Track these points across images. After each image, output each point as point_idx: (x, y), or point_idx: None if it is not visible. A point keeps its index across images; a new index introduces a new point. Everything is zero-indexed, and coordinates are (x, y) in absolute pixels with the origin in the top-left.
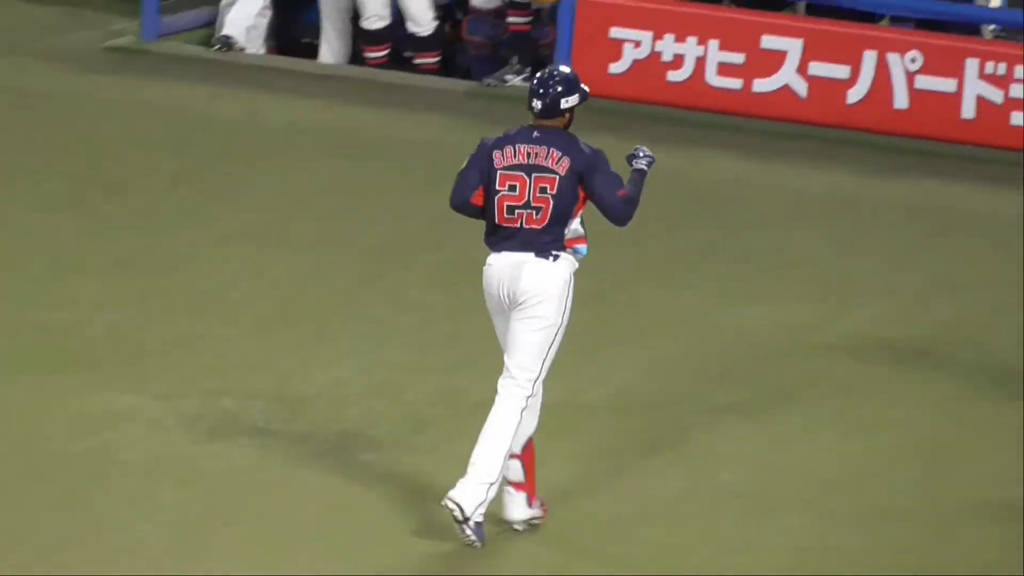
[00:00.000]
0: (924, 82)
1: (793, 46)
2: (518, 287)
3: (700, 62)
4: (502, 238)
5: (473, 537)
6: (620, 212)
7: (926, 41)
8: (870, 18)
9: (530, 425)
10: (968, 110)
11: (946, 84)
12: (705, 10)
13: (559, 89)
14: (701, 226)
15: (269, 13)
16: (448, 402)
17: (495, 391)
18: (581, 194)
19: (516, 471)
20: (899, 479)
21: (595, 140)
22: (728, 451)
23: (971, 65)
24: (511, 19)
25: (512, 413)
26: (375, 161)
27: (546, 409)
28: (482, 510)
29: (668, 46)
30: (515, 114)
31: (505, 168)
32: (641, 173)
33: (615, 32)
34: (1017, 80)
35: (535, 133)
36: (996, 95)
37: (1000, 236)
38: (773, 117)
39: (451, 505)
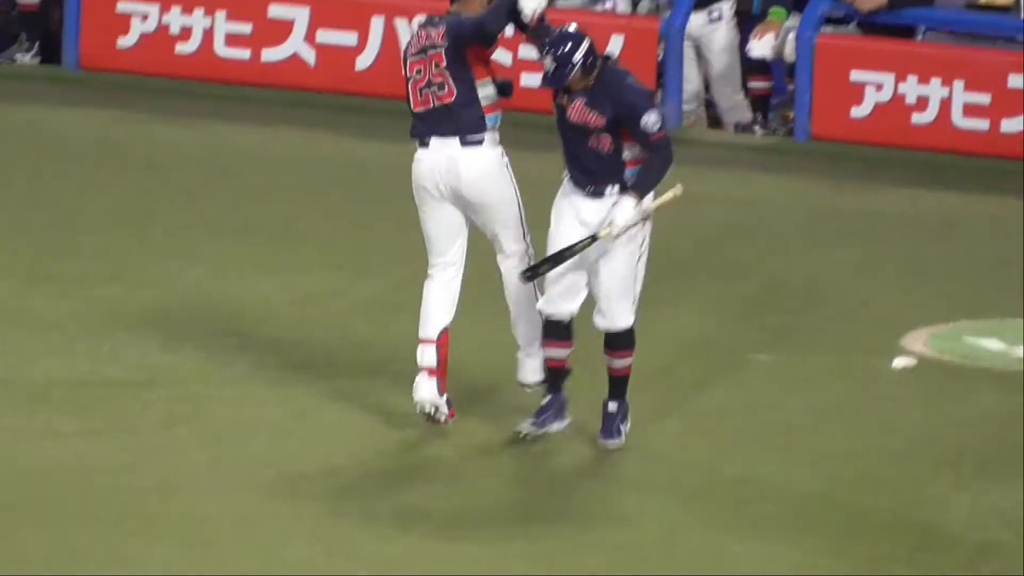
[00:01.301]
0: None
1: (300, 15)
2: (460, 183)
3: (208, 34)
4: (423, 126)
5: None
6: (487, 25)
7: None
8: None
9: (449, 313)
10: None
11: None
12: None
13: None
14: (211, 198)
15: None
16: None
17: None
18: (470, 56)
19: (431, 357)
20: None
21: (107, 115)
22: (252, 421)
23: None
24: None
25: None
26: None
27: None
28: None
29: (176, 18)
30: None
31: (410, 56)
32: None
33: (122, 7)
34: None
35: (432, 20)
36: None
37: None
38: (283, 86)
39: (530, 389)
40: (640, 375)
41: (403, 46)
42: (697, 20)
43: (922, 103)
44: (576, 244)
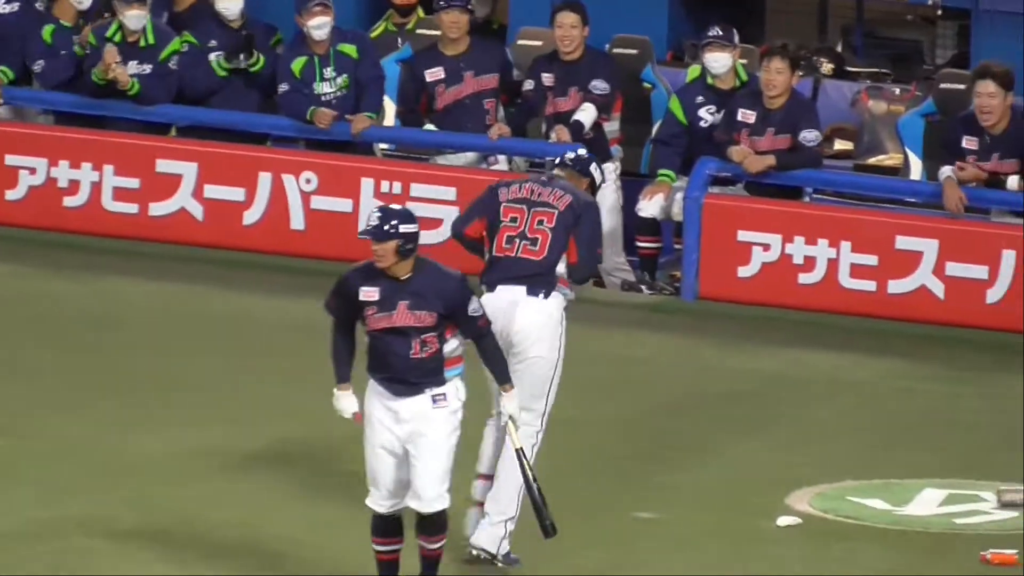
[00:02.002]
0: (320, 202)
1: (188, 170)
2: (512, 328)
3: (96, 187)
4: (497, 272)
5: (510, 565)
6: (591, 266)
7: (320, 162)
8: (262, 140)
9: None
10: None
11: (342, 204)
12: (91, 135)
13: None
14: (99, 351)
15: None
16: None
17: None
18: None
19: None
20: None
21: None
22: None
23: (367, 184)
24: None
25: (518, 458)
26: None
27: None
28: (507, 544)
29: (64, 172)
30: None
31: (509, 201)
32: None
33: (10, 160)
34: (413, 197)
35: (544, 177)
36: None
37: None
38: (171, 240)
39: (475, 552)
40: (523, 531)
41: (492, 192)
42: None
43: (809, 263)
44: (524, 467)
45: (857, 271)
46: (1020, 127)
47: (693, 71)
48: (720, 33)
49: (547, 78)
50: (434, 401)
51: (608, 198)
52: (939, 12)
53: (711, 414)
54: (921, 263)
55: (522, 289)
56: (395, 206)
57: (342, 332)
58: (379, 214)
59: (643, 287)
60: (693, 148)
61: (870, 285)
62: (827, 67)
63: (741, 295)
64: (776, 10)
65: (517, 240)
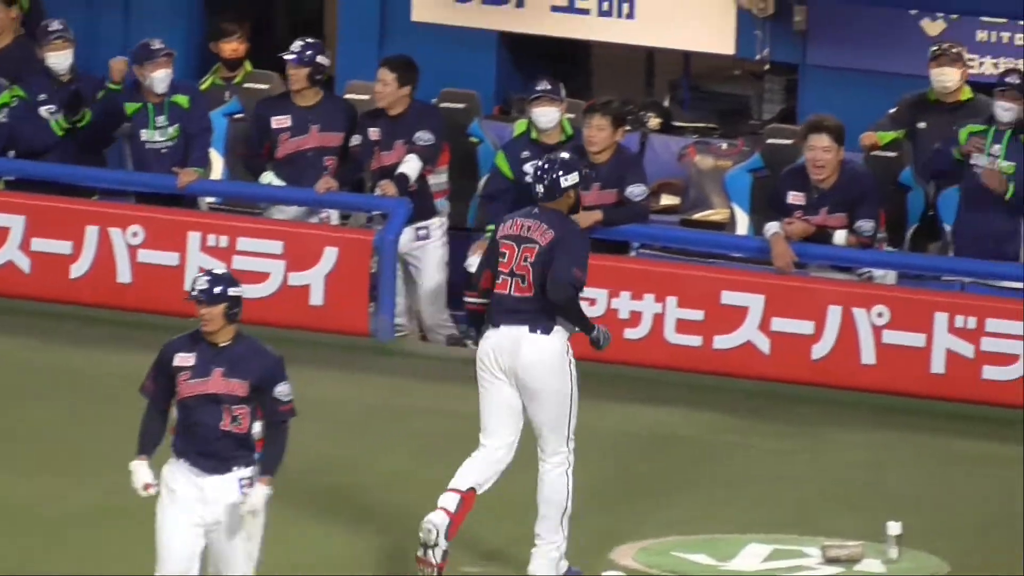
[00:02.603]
0: (147, 256)
1: (16, 222)
2: (518, 363)
3: None
4: (497, 309)
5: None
6: (562, 284)
7: (147, 215)
8: (89, 193)
9: (484, 476)
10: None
11: (169, 258)
12: None
13: (559, 172)
14: None
15: None
16: None
17: None
18: None
19: (451, 500)
20: None
21: None
22: None
23: (193, 238)
24: None
25: (560, 483)
26: None
27: None
28: (564, 566)
29: None
30: None
31: (502, 237)
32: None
33: None
34: (240, 251)
35: (535, 210)
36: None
37: None
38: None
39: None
40: None
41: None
42: (406, 236)
43: (635, 318)
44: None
45: (683, 326)
46: (849, 181)
47: (520, 125)
48: (547, 87)
49: (373, 132)
50: (240, 485)
51: (433, 255)
52: (767, 67)
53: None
54: (747, 318)
55: (524, 328)
56: (219, 270)
57: (153, 412)
58: (207, 278)
59: (468, 342)
60: (520, 203)
61: (696, 340)
62: (654, 121)
63: None
64: (603, 64)
65: (508, 277)
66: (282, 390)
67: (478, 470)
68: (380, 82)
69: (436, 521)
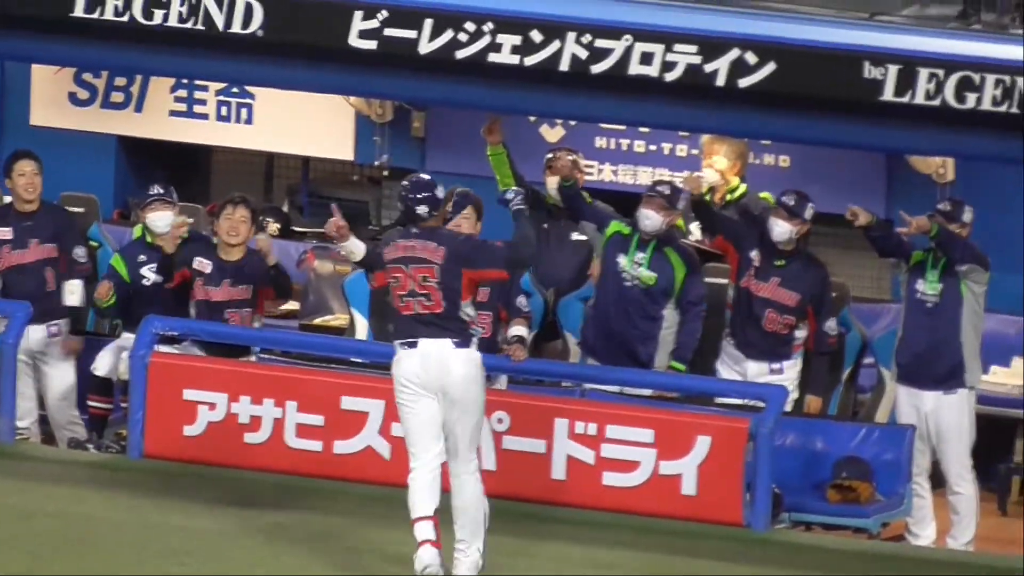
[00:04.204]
0: None
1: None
2: (449, 379)
3: None
4: (409, 328)
5: None
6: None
7: None
8: None
9: (436, 497)
10: None
11: None
12: None
13: (430, 188)
14: None
15: None
16: None
17: None
18: (465, 279)
19: (429, 530)
20: None
21: None
22: None
23: None
24: None
25: (479, 487)
26: None
27: None
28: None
29: None
30: None
31: (390, 262)
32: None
33: None
34: None
35: (412, 230)
36: None
37: None
38: None
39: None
40: None
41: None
42: (38, 334)
43: (255, 422)
44: None
45: (303, 431)
46: None
47: (138, 229)
48: (160, 191)
49: (3, 232)
50: None
51: (61, 352)
52: (385, 173)
53: (154, 571)
54: (367, 423)
55: (447, 342)
56: None
57: None
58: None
59: (90, 445)
60: (137, 307)
61: (316, 445)
62: (273, 227)
63: (187, 454)
64: (223, 169)
65: (409, 299)
66: None
67: (430, 492)
68: (23, 175)
69: (432, 559)
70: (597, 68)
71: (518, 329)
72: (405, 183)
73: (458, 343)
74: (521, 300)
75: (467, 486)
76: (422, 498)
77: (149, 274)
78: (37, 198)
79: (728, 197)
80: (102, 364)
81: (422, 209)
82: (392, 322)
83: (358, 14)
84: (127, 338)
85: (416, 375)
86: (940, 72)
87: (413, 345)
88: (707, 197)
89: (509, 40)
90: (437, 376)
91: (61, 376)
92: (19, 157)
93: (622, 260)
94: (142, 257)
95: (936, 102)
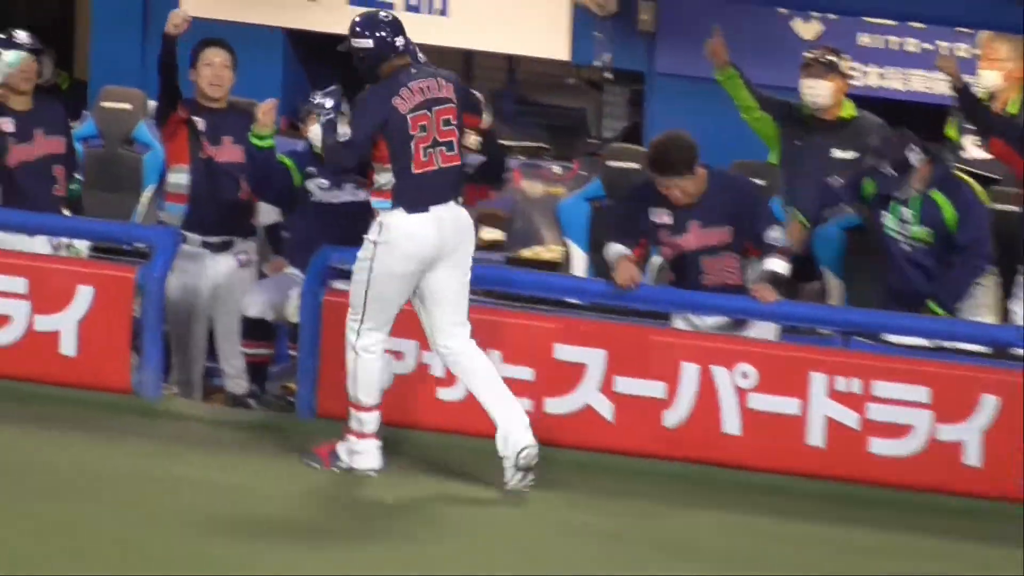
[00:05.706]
0: None
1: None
2: (462, 239)
3: None
4: (426, 191)
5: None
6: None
7: None
8: None
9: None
10: None
11: None
12: None
13: (389, 18)
14: None
15: None
16: None
17: None
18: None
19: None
20: None
21: None
22: None
23: None
24: None
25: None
26: None
27: None
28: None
29: None
30: None
31: (410, 111)
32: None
33: None
34: None
35: (412, 70)
36: None
37: None
38: None
39: (534, 452)
40: None
41: (385, 111)
42: (222, 265)
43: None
44: None
45: (508, 386)
46: (720, 189)
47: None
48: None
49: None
50: None
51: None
52: (608, 76)
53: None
54: (584, 377)
55: (452, 203)
56: None
57: None
58: None
59: (251, 400)
60: (300, 228)
61: (525, 404)
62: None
63: None
64: None
65: (431, 150)
66: None
67: (384, 375)
68: (210, 66)
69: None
70: None
71: (773, 262)
72: (355, 24)
73: (459, 201)
74: (775, 232)
75: (476, 357)
76: (382, 379)
77: (317, 190)
78: (224, 95)
79: (1009, 108)
80: (253, 303)
81: (400, 41)
82: (399, 185)
83: None
84: (290, 273)
85: (433, 246)
86: None
87: (425, 209)
88: (986, 103)
89: None
90: (454, 243)
91: (234, 314)
92: (207, 44)
93: (888, 219)
94: (312, 169)
95: None
